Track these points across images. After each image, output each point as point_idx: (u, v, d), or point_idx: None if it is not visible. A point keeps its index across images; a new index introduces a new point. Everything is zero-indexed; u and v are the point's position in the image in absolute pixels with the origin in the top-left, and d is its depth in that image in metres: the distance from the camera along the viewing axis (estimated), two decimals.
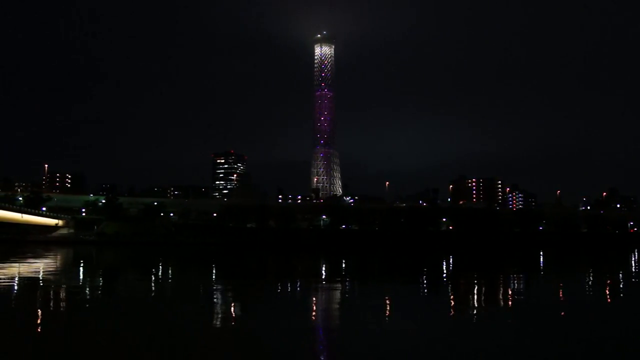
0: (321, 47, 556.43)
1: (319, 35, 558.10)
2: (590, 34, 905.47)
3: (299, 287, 74.34)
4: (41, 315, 46.21)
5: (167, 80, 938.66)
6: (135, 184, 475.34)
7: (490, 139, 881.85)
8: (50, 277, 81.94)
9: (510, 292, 68.58)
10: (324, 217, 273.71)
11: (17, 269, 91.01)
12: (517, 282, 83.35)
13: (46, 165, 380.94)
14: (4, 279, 75.98)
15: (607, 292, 69.73)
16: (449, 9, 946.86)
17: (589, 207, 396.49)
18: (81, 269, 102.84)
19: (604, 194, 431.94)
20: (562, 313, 51.75)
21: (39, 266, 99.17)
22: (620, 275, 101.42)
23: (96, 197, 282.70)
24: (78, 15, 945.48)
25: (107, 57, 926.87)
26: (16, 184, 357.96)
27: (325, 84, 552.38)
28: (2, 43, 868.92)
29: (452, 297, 64.84)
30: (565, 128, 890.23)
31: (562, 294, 68.66)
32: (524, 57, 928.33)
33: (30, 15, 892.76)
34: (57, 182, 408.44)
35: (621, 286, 78.67)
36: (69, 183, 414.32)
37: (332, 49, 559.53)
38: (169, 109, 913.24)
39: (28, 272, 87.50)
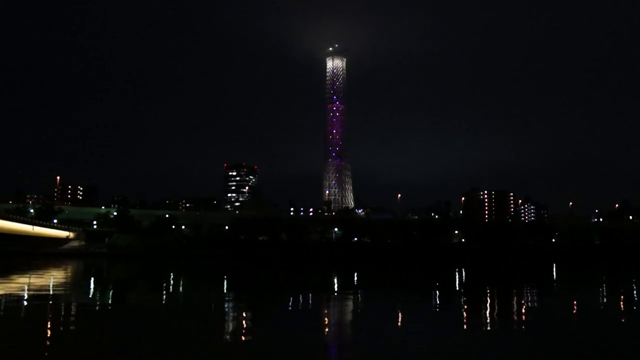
0: (333, 60, 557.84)
1: (330, 49, 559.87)
2: (602, 48, 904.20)
3: (310, 300, 73.49)
4: (49, 330, 45.59)
5: (180, 92, 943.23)
6: (147, 196, 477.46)
7: (503, 151, 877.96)
8: (60, 291, 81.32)
9: (523, 307, 67.41)
10: (336, 229, 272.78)
11: (26, 283, 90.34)
12: (530, 297, 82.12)
13: (58, 177, 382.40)
14: (14, 293, 75.42)
15: (621, 307, 68.56)
16: (462, 21, 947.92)
17: (601, 219, 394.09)
18: (91, 282, 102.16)
19: (617, 205, 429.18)
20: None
21: (49, 279, 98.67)
22: (634, 289, 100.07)
23: (107, 209, 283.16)
24: (91, 25, 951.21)
25: (119, 68, 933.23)
26: (28, 195, 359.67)
27: (337, 96, 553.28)
28: (14, 55, 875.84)
29: (465, 312, 63.73)
30: (577, 140, 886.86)
31: (577, 309, 67.47)
32: (537, 70, 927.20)
33: (42, 29, 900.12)
34: (69, 194, 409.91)
35: (635, 302, 77.20)
36: (80, 195, 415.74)
37: (344, 62, 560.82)
38: (181, 121, 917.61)
39: (38, 286, 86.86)
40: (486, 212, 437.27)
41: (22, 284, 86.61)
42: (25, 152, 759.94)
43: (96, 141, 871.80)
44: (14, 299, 67.57)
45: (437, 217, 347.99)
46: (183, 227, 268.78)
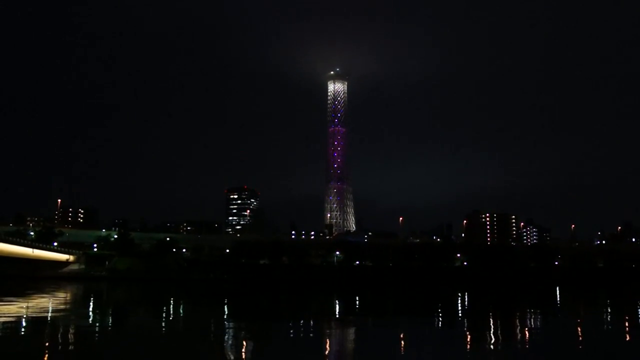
0: (334, 84, 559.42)
1: (332, 72, 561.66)
2: (604, 70, 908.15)
3: (311, 325, 72.56)
4: (47, 354, 44.82)
5: (181, 115, 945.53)
6: (148, 219, 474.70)
7: (504, 174, 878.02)
8: (58, 315, 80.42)
9: (527, 334, 66.38)
10: (337, 253, 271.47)
11: (24, 307, 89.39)
12: (535, 321, 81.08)
13: (59, 200, 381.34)
14: (10, 317, 74.54)
15: (626, 329, 67.60)
16: (465, 45, 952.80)
17: (604, 242, 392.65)
18: (90, 306, 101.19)
19: (619, 227, 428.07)
20: None
21: (47, 304, 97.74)
22: (639, 311, 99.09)
23: (108, 232, 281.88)
24: (93, 51, 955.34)
25: (121, 91, 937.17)
26: (28, 218, 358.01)
27: (338, 120, 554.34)
28: (18, 79, 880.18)
29: (469, 337, 62.71)
30: (578, 162, 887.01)
31: (581, 332, 66.44)
32: (539, 92, 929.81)
33: (46, 53, 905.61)
34: (70, 216, 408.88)
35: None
36: (81, 218, 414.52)
37: (345, 86, 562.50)
38: (183, 144, 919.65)
39: (36, 310, 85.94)
40: (488, 234, 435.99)
41: (21, 308, 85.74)
42: (26, 175, 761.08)
43: (97, 164, 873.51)
44: (11, 323, 66.72)
45: (438, 240, 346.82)
46: (184, 250, 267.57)
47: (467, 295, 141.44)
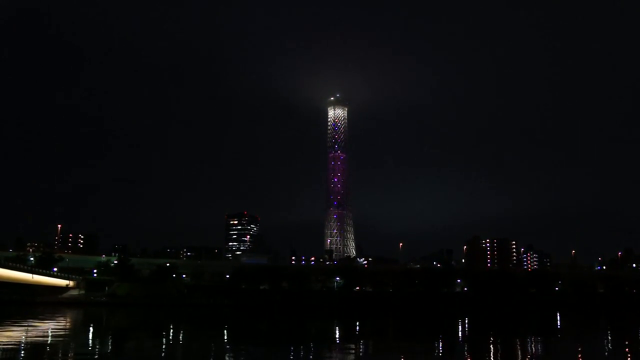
0: (334, 110, 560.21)
1: (332, 98, 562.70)
2: (604, 97, 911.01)
3: (311, 352, 72.47)
4: None
5: (182, 140, 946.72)
6: (148, 244, 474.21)
7: (505, 199, 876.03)
8: (58, 341, 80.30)
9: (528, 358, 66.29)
10: (337, 278, 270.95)
11: (24, 333, 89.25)
12: (536, 347, 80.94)
13: (59, 226, 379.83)
14: (9, 343, 74.45)
15: (628, 355, 67.55)
16: (465, 71, 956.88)
17: (604, 267, 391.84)
18: (89, 332, 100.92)
19: (619, 253, 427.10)
20: None
21: (46, 329, 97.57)
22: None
23: (108, 257, 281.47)
24: (93, 80, 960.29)
25: (120, 119, 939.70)
26: (28, 244, 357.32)
27: (338, 145, 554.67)
28: (18, 104, 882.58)
29: None
30: (579, 188, 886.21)
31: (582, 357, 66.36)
32: (540, 117, 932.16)
33: (48, 81, 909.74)
34: (70, 242, 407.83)
35: None
36: (81, 243, 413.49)
37: (346, 111, 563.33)
38: (182, 170, 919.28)
39: (34, 336, 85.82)
40: (488, 260, 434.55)
41: (19, 334, 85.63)
42: (27, 200, 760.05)
43: (98, 190, 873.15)
44: (10, 349, 66.67)
45: (439, 265, 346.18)
46: (184, 275, 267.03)
47: (468, 321, 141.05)
